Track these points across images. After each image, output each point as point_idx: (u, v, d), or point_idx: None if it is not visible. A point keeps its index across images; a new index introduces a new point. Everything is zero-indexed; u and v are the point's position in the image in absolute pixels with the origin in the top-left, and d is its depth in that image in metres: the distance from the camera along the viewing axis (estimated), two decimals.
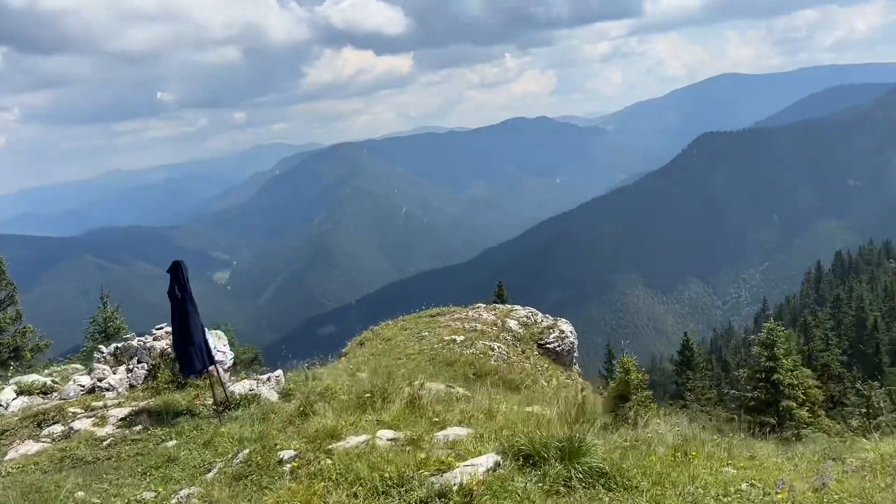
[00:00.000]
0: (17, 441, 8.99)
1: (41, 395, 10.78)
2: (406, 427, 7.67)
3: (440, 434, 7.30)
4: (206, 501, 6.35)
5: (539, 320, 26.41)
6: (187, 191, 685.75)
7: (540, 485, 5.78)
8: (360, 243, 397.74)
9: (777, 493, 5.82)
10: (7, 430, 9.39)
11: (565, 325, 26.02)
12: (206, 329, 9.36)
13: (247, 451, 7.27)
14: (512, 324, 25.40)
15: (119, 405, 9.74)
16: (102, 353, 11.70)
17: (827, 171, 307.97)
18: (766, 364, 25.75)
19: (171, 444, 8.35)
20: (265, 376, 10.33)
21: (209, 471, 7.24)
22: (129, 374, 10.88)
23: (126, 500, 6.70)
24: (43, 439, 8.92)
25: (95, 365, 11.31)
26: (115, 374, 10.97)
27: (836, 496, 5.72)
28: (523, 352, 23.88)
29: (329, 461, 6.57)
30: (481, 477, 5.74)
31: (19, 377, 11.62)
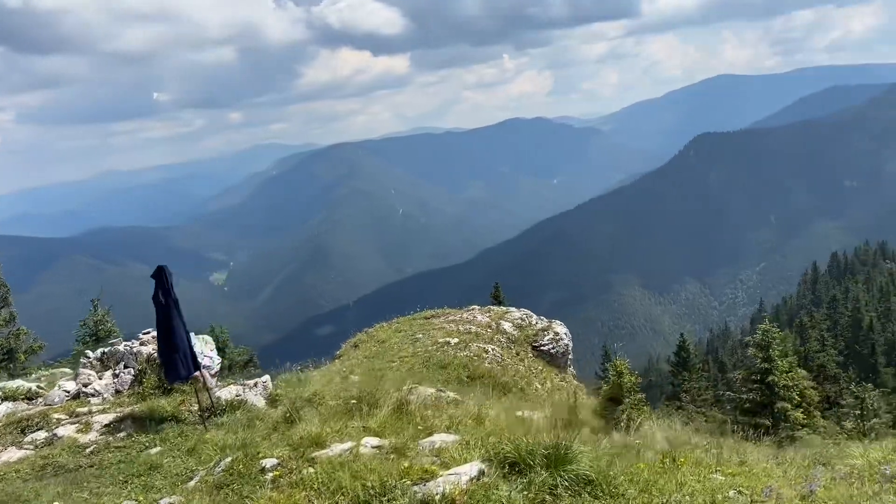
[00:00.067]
0: (0, 448, 8.89)
1: (26, 401, 10.66)
2: (392, 434, 7.59)
3: (426, 441, 7.22)
4: None
5: (534, 322, 26.32)
6: (184, 191, 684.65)
7: (525, 493, 5.71)
8: (357, 244, 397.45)
9: (764, 500, 5.76)
10: None
11: (560, 327, 25.95)
12: (191, 334, 9.27)
13: (229, 459, 7.18)
14: (506, 326, 25.32)
15: (104, 411, 9.64)
16: (89, 357, 11.59)
17: (823, 172, 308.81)
18: (762, 366, 25.74)
19: (154, 451, 8.26)
20: (252, 381, 10.23)
21: (191, 479, 7.15)
22: (116, 380, 10.77)
23: None
24: (26, 446, 8.83)
25: (81, 370, 11.20)
26: (101, 379, 10.86)
27: None
28: (518, 354, 23.80)
29: (312, 470, 6.48)
30: (464, 486, 5.66)
31: (3, 383, 11.49)
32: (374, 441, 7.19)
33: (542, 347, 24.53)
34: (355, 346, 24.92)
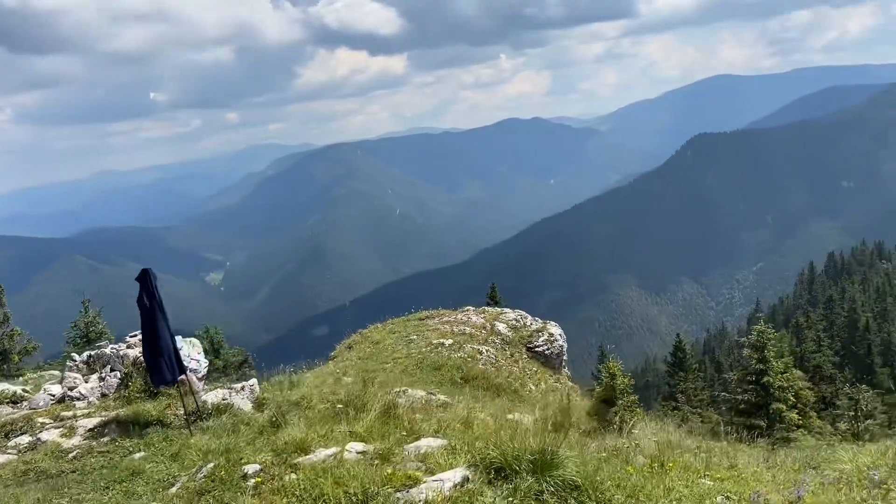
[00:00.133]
0: None
1: (10, 405, 10.57)
2: (378, 438, 7.51)
3: (412, 446, 7.15)
4: None
5: (528, 323, 26.29)
6: (181, 191, 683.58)
7: (510, 499, 5.64)
8: (354, 244, 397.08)
9: None
10: None
11: (554, 329, 25.92)
12: (178, 337, 9.17)
13: (211, 465, 7.10)
14: (501, 327, 25.28)
15: (89, 415, 9.54)
16: (75, 360, 11.48)
17: (820, 172, 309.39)
18: (757, 366, 25.67)
19: (137, 456, 8.17)
20: (239, 385, 10.13)
21: (173, 485, 7.07)
22: (102, 383, 10.66)
23: None
24: (9, 451, 8.73)
25: (67, 373, 11.09)
26: (87, 382, 10.75)
27: None
28: (512, 355, 23.76)
29: (294, 476, 6.41)
30: (447, 493, 5.58)
31: None
32: (359, 446, 7.11)
33: (536, 349, 24.50)
34: (350, 348, 24.88)
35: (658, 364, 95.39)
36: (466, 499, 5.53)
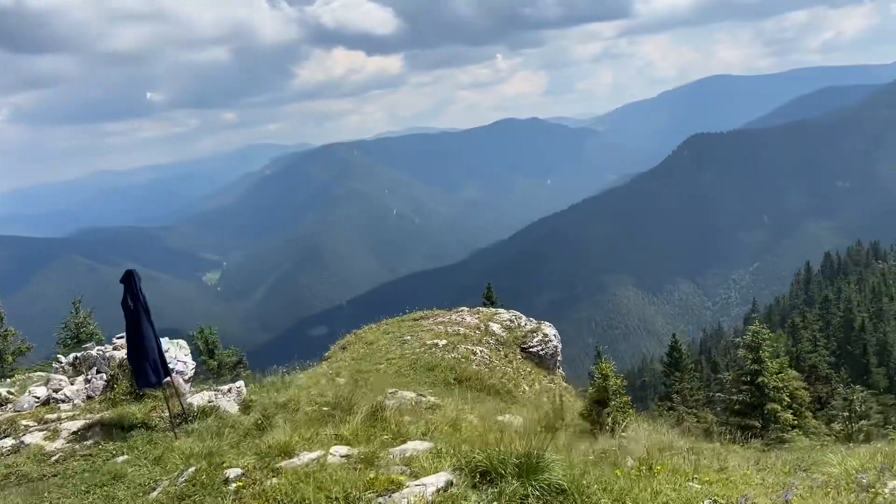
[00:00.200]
0: None
1: None
2: (363, 442, 7.43)
3: (397, 449, 7.07)
4: None
5: (522, 324, 26.22)
6: (177, 191, 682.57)
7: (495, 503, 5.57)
8: (351, 244, 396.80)
9: None
10: None
11: (549, 329, 25.85)
12: (163, 339, 9.07)
13: (192, 469, 7.01)
14: (495, 327, 25.21)
15: (73, 418, 9.43)
16: (61, 362, 11.38)
17: (816, 172, 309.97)
18: (751, 367, 25.64)
19: (121, 459, 8.07)
20: (226, 387, 10.02)
21: (154, 490, 6.98)
22: (88, 385, 10.56)
23: None
24: None
25: (53, 375, 10.98)
26: (72, 384, 10.64)
27: None
28: (506, 356, 23.69)
29: (276, 480, 6.33)
30: (430, 498, 5.51)
31: None
32: (343, 450, 7.02)
33: (530, 349, 24.42)
34: (344, 348, 24.78)
35: (654, 364, 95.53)
36: (450, 503, 5.45)
